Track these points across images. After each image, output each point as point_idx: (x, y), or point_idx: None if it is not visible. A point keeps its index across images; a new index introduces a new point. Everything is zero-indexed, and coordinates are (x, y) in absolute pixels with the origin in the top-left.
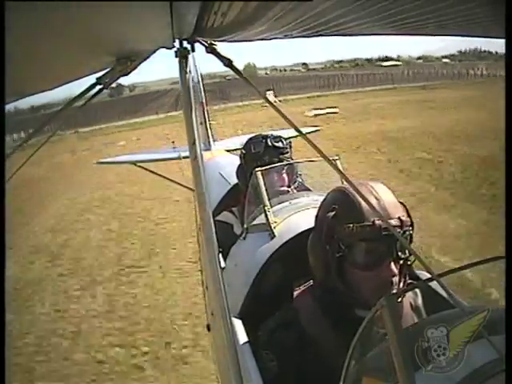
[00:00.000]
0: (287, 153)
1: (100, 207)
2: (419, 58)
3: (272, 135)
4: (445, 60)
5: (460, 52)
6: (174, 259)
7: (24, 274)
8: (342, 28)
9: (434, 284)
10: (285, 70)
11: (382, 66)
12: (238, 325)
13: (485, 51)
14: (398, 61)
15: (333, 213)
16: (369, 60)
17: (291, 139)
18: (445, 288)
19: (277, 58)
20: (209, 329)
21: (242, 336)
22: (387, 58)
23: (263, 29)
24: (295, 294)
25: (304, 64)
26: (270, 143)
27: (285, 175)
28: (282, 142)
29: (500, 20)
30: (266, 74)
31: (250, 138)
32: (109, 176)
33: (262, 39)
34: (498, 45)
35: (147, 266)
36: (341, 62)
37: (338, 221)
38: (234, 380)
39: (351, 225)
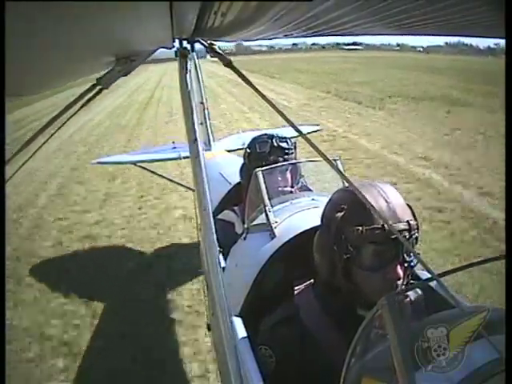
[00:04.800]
0: (292, 153)
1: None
2: (398, 45)
3: (277, 135)
4: (418, 49)
5: (446, 43)
6: None
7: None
8: (342, 28)
9: (434, 284)
10: (274, 48)
11: (344, 49)
12: (239, 325)
13: (466, 44)
14: (361, 45)
15: (342, 213)
16: (338, 44)
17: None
18: (445, 288)
19: (280, 41)
20: (209, 328)
21: (243, 336)
22: (352, 43)
23: (263, 29)
24: (296, 291)
25: (294, 44)
26: (275, 143)
27: (288, 175)
28: (287, 142)
29: (500, 20)
30: (260, 50)
31: (255, 138)
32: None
33: (262, 39)
34: (480, 39)
35: None
36: (314, 44)
37: (346, 222)
38: (234, 379)
39: (361, 227)
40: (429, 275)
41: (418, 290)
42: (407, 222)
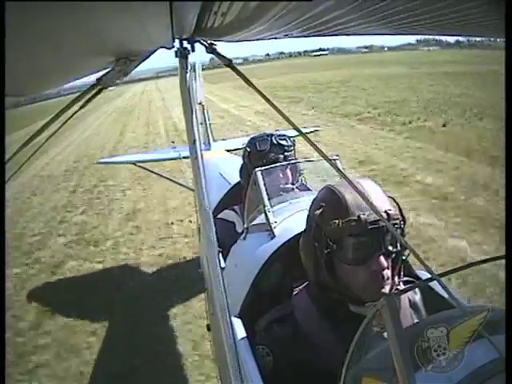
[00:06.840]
0: (292, 150)
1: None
2: (366, 48)
3: (276, 134)
4: (386, 48)
5: (417, 40)
6: None
7: None
8: (342, 28)
9: (434, 284)
10: (247, 59)
11: (310, 55)
12: (238, 324)
13: (434, 40)
14: (326, 50)
15: (320, 210)
16: (306, 51)
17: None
18: (445, 288)
19: (262, 49)
20: (209, 329)
21: (242, 335)
22: (319, 50)
23: (263, 29)
24: (294, 292)
25: (267, 54)
26: (275, 141)
27: (288, 173)
28: (287, 140)
29: (500, 20)
30: (244, 60)
31: (254, 137)
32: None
33: (261, 39)
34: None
35: None
36: (282, 53)
37: (325, 217)
38: (234, 379)
39: (337, 220)
40: (429, 275)
41: (417, 289)
42: (385, 211)
